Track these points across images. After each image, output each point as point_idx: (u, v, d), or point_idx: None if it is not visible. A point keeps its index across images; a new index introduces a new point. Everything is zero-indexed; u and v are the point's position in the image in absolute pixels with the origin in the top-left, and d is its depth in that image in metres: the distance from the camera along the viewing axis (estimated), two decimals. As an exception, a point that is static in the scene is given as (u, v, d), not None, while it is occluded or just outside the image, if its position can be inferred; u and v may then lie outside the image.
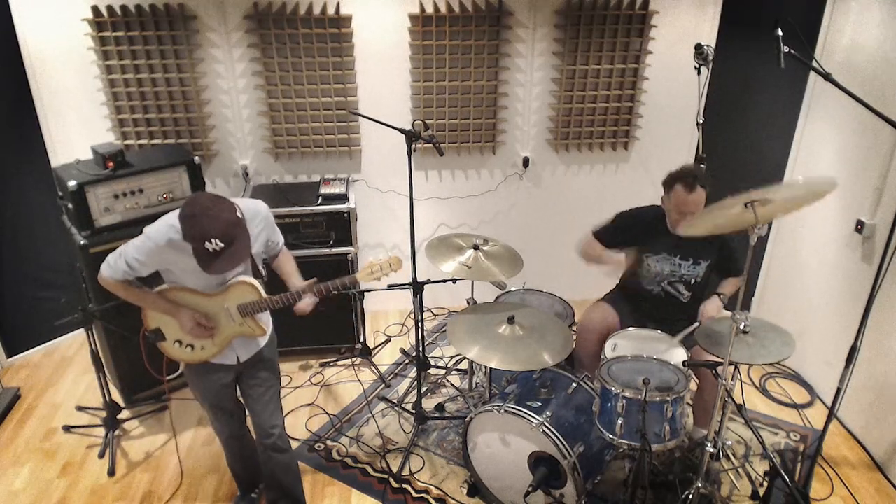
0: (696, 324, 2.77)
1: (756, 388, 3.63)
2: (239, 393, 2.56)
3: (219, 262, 2.03)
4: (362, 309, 3.82)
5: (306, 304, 2.41)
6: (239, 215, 2.07)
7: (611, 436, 2.45)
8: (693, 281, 2.90)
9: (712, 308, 2.89)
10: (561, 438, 2.45)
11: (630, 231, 2.95)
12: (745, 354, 2.36)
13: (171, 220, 2.14)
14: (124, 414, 3.33)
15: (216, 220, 1.99)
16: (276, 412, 2.54)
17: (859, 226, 3.10)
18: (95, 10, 3.41)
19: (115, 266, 2.23)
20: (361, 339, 3.87)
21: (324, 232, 3.58)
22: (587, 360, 2.96)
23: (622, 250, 2.99)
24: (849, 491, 2.92)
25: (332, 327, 3.77)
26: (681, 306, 2.94)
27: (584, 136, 4.00)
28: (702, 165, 3.23)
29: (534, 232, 4.21)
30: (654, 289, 2.95)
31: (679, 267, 2.89)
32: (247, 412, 2.59)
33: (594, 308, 3.06)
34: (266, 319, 2.47)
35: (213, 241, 1.98)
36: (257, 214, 2.29)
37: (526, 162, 4.05)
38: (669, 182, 2.75)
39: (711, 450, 2.52)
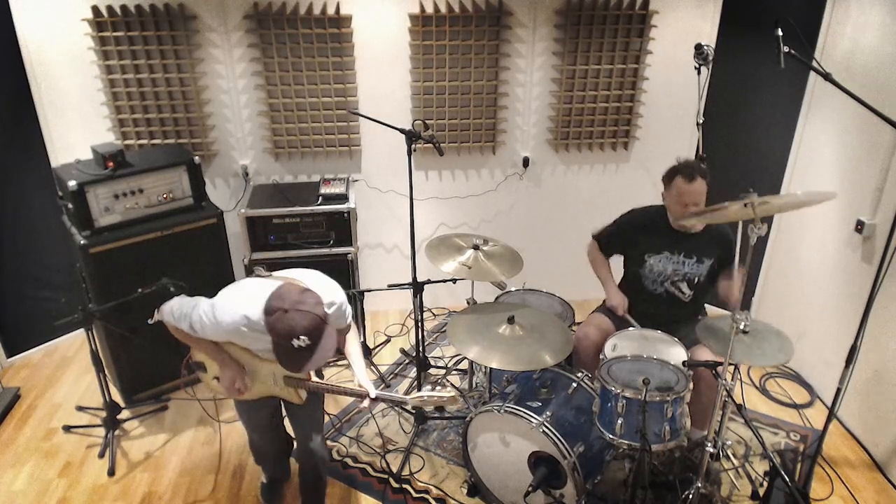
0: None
1: (756, 388, 3.63)
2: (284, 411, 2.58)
3: (303, 359, 1.94)
4: (362, 309, 3.82)
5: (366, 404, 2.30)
6: (326, 310, 1.98)
7: (611, 436, 2.45)
8: (696, 279, 2.89)
9: (736, 287, 2.69)
10: (561, 438, 2.45)
11: (628, 232, 2.95)
12: (742, 354, 2.36)
13: (246, 310, 2.02)
14: (124, 414, 3.32)
15: (305, 317, 1.89)
16: (319, 427, 2.54)
17: (859, 226, 3.10)
18: (95, 10, 3.41)
19: (178, 320, 2.15)
20: (361, 339, 3.88)
21: (324, 232, 3.58)
22: (587, 364, 2.95)
23: (620, 254, 3.03)
24: (849, 491, 2.92)
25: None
26: (681, 306, 2.93)
27: (584, 136, 4.00)
28: (702, 165, 3.22)
29: (534, 232, 4.21)
30: (656, 289, 2.94)
31: (682, 265, 2.88)
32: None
33: (588, 324, 3.01)
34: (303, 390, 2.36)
35: (301, 338, 1.89)
36: (333, 304, 2.17)
37: (526, 162, 4.05)
38: (669, 175, 2.78)
39: (711, 450, 2.51)
